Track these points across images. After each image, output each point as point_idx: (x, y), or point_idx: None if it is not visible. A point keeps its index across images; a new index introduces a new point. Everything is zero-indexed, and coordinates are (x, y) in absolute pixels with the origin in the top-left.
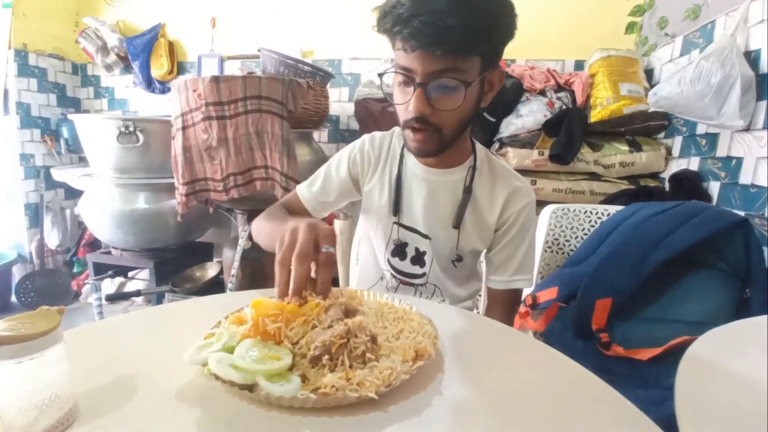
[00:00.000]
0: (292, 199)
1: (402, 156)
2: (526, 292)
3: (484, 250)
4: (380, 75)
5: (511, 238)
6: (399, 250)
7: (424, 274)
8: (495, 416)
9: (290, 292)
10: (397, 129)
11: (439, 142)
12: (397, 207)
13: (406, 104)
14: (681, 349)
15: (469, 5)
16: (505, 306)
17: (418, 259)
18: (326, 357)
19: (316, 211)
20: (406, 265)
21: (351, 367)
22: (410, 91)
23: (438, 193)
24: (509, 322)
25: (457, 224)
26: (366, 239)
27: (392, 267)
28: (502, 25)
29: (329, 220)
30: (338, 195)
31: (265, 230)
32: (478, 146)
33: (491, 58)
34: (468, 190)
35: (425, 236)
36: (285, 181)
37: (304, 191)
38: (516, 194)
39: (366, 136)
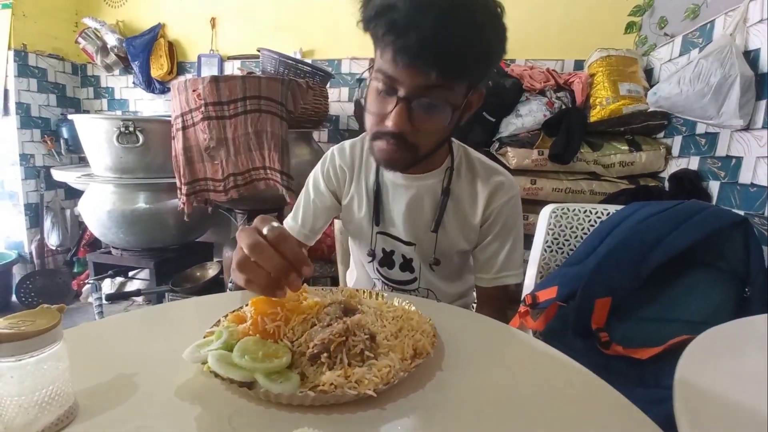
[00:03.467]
0: None
1: (378, 164)
2: (526, 291)
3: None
4: (359, 80)
5: (496, 233)
6: (386, 259)
7: (415, 279)
8: (494, 414)
9: (264, 288)
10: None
11: (411, 159)
12: (377, 217)
13: (382, 115)
14: (680, 348)
15: (470, 29)
16: (493, 304)
17: (407, 265)
18: (325, 355)
19: (308, 239)
20: (396, 273)
21: (349, 365)
22: (390, 102)
23: (417, 199)
24: (501, 319)
25: (436, 228)
26: (354, 250)
27: (383, 276)
28: (497, 53)
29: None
30: (326, 216)
31: None
32: (455, 145)
33: (478, 82)
34: (446, 192)
35: (409, 243)
36: (286, 180)
37: (290, 223)
38: (498, 190)
39: (334, 148)
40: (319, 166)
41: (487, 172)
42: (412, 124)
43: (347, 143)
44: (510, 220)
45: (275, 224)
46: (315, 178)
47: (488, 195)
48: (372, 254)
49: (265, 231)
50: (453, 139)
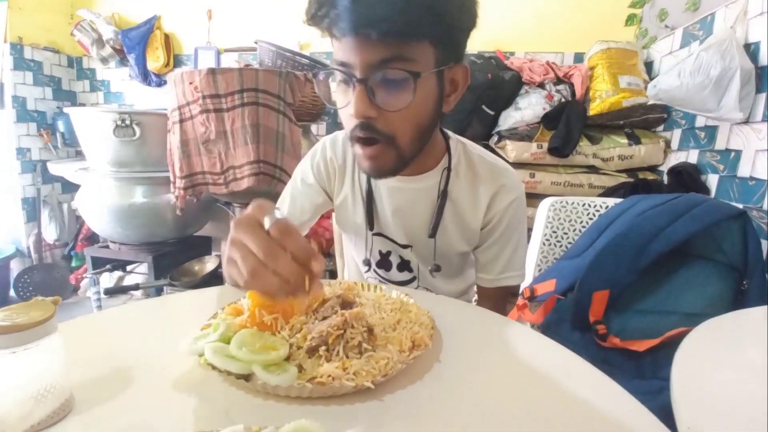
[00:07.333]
0: None
1: (367, 175)
2: (525, 284)
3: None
4: (314, 75)
5: (498, 236)
6: (384, 261)
7: (414, 279)
8: (491, 406)
9: (286, 293)
10: None
11: (395, 157)
12: (371, 220)
13: (347, 107)
14: (678, 340)
15: None
16: (493, 302)
17: (405, 266)
18: (323, 348)
19: None
20: (394, 274)
21: (347, 357)
22: (351, 91)
23: (412, 202)
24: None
25: (434, 233)
26: (348, 248)
27: (381, 278)
28: (455, 4)
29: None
30: (313, 211)
31: None
32: (453, 142)
33: (448, 47)
34: (443, 195)
35: (405, 246)
36: (279, 174)
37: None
38: (501, 192)
39: (326, 139)
40: (308, 157)
41: (490, 173)
42: (377, 108)
43: (341, 135)
44: (513, 221)
45: (276, 214)
46: (304, 171)
47: (490, 198)
48: (368, 263)
49: (267, 226)
50: (452, 135)
